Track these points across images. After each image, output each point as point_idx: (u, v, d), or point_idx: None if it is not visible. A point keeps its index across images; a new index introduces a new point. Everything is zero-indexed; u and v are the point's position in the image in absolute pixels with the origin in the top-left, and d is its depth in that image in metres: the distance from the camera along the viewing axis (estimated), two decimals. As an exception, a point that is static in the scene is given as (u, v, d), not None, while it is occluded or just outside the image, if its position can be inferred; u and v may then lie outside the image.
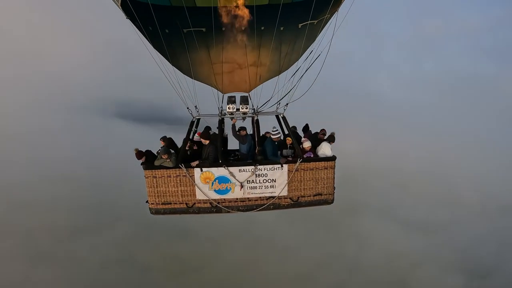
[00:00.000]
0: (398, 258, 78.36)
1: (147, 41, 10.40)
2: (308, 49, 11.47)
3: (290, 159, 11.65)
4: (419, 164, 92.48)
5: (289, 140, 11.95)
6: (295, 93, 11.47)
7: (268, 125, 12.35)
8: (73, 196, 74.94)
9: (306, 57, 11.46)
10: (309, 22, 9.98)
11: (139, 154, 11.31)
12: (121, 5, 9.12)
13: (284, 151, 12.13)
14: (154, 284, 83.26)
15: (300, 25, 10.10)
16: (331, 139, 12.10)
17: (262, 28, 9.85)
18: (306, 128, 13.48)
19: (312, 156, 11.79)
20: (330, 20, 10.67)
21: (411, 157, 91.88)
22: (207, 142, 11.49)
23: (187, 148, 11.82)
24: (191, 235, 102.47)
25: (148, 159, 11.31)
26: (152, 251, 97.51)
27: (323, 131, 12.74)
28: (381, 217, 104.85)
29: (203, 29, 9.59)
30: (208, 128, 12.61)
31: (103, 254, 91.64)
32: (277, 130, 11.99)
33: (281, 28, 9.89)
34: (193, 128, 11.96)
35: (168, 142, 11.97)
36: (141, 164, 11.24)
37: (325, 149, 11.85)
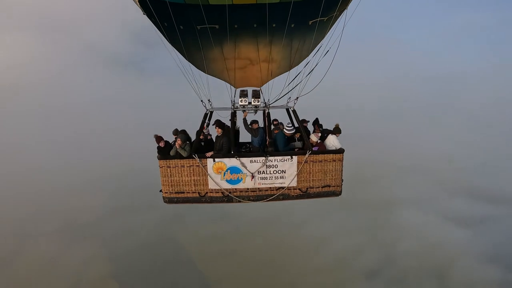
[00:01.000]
0: (435, 248, 78.49)
1: (163, 37, 10.73)
2: (318, 45, 11.75)
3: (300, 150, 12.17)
4: (458, 159, 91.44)
5: (297, 134, 12.50)
6: (305, 87, 11.74)
7: (281, 119, 12.91)
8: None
9: (315, 53, 11.74)
10: (319, 19, 10.16)
11: (158, 138, 11.81)
12: (138, 1, 9.47)
13: (292, 144, 12.70)
14: (192, 263, 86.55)
15: (310, 22, 10.31)
16: (336, 130, 12.56)
17: (274, 25, 10.12)
18: (316, 122, 13.73)
19: (318, 149, 12.21)
20: (340, 18, 10.79)
21: (448, 152, 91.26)
22: (220, 132, 11.90)
23: (201, 138, 12.26)
24: (230, 218, 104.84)
25: (164, 149, 11.78)
26: (192, 231, 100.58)
27: (336, 124, 13.10)
28: (419, 209, 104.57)
29: (216, 26, 9.88)
30: (219, 120, 12.70)
31: (144, 235, 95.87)
32: (292, 126, 12.48)
33: (292, 25, 10.13)
34: (206, 121, 12.29)
35: (182, 133, 12.32)
36: (157, 154, 11.80)
37: (333, 141, 12.33)
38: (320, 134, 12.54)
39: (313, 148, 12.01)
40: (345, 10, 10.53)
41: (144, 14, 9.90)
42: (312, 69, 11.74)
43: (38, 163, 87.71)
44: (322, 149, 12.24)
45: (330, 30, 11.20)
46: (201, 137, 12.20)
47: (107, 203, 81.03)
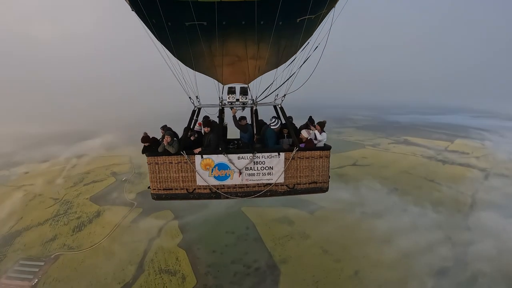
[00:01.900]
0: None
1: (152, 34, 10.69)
2: (305, 43, 11.59)
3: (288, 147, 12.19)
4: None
5: (285, 131, 12.60)
6: (293, 84, 11.79)
7: (268, 115, 12.97)
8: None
9: (303, 51, 11.66)
10: (307, 17, 10.06)
11: (144, 138, 12.14)
12: None
13: (281, 141, 12.71)
14: (260, 241, 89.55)
15: (298, 20, 10.22)
16: (321, 125, 12.77)
17: (262, 22, 9.99)
18: (310, 120, 13.71)
19: (305, 146, 12.28)
20: (328, 15, 10.66)
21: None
22: (208, 129, 12.12)
23: (188, 135, 12.44)
24: (305, 203, 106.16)
25: (152, 147, 12.09)
26: (262, 212, 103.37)
27: (319, 122, 13.12)
28: (500, 213, 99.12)
29: (205, 23, 9.85)
30: (207, 117, 12.90)
31: (215, 209, 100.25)
32: (275, 121, 12.55)
33: (280, 23, 10.03)
34: (194, 117, 12.37)
35: (168, 130, 12.59)
36: (143, 152, 12.10)
37: (318, 136, 12.60)
38: (311, 131, 12.70)
39: (300, 145, 12.12)
40: (333, 8, 10.42)
41: (132, 10, 9.77)
42: (300, 67, 11.69)
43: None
44: (310, 146, 12.36)
45: (318, 28, 11.03)
46: (190, 134, 12.50)
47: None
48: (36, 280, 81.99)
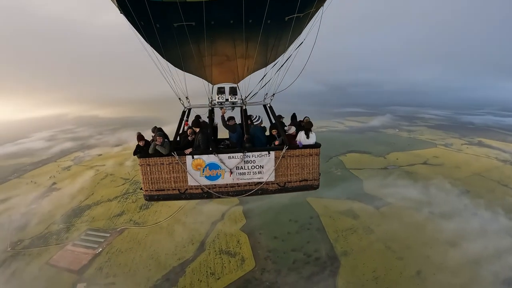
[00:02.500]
0: None
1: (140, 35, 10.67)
2: (294, 42, 11.48)
3: (278, 144, 12.13)
4: None
5: (274, 131, 12.51)
6: (282, 83, 11.71)
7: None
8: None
9: (292, 50, 11.56)
10: (295, 15, 10.00)
11: (139, 137, 12.23)
12: (116, 1, 9.37)
13: (273, 142, 12.53)
14: (323, 231, 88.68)
15: (286, 18, 10.16)
16: (308, 125, 12.50)
17: (250, 21, 9.94)
18: (293, 117, 13.87)
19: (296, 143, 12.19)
20: (316, 14, 10.60)
21: None
22: (197, 130, 12.10)
23: (184, 134, 12.65)
24: (370, 198, 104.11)
25: (144, 148, 12.11)
26: (327, 203, 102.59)
27: (306, 119, 13.10)
28: None
29: (193, 23, 9.86)
30: (198, 117, 12.90)
31: (281, 198, 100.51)
32: (256, 116, 12.67)
33: (268, 21, 9.96)
34: (185, 118, 12.39)
35: (159, 131, 12.48)
36: (135, 154, 12.09)
37: (301, 136, 12.30)
38: (293, 130, 12.73)
39: (299, 143, 12.22)
40: (322, 7, 10.37)
41: (121, 13, 9.72)
42: (289, 66, 11.64)
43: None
44: (293, 143, 12.26)
45: (307, 27, 10.93)
46: (189, 134, 12.68)
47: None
48: (100, 249, 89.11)
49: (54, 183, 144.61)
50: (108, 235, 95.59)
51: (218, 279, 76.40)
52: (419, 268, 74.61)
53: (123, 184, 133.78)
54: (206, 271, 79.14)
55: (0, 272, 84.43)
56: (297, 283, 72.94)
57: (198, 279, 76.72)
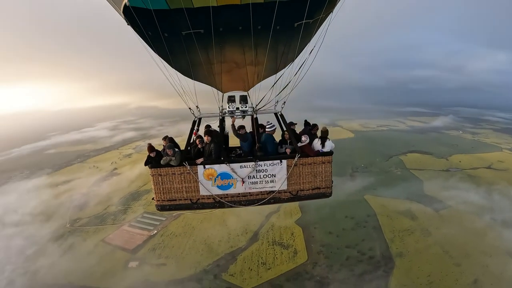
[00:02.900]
0: None
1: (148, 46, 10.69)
2: (304, 49, 11.34)
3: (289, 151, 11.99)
4: None
5: (286, 135, 12.39)
6: (293, 91, 11.58)
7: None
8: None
9: (302, 57, 11.38)
10: (304, 21, 9.93)
11: (150, 148, 12.19)
12: (123, 12, 9.40)
13: (284, 146, 12.58)
14: (380, 230, 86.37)
15: (296, 24, 10.11)
16: (324, 134, 12.34)
17: (259, 27, 9.87)
18: (306, 123, 13.58)
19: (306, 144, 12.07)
20: (326, 21, 10.57)
21: None
22: (209, 139, 11.94)
23: (194, 144, 12.44)
24: (430, 200, 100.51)
25: (155, 158, 12.03)
26: (384, 202, 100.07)
27: (324, 128, 12.73)
28: None
29: (202, 31, 9.83)
30: (208, 126, 12.92)
31: (338, 194, 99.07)
32: (270, 123, 12.35)
33: (277, 27, 9.86)
34: (196, 127, 12.26)
35: (170, 141, 12.52)
36: (146, 164, 12.08)
37: (316, 144, 12.26)
38: (311, 139, 12.48)
39: (302, 138, 12.10)
40: (331, 13, 10.33)
41: (128, 25, 9.80)
42: (298, 74, 11.42)
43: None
44: (307, 151, 12.10)
45: (317, 33, 10.90)
46: (197, 143, 12.44)
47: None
48: (155, 231, 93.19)
49: (115, 169, 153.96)
50: (164, 219, 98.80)
51: (268, 269, 76.65)
52: (476, 277, 70.68)
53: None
54: (258, 261, 79.74)
55: (57, 245, 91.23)
56: (348, 280, 71.72)
57: (249, 268, 77.51)
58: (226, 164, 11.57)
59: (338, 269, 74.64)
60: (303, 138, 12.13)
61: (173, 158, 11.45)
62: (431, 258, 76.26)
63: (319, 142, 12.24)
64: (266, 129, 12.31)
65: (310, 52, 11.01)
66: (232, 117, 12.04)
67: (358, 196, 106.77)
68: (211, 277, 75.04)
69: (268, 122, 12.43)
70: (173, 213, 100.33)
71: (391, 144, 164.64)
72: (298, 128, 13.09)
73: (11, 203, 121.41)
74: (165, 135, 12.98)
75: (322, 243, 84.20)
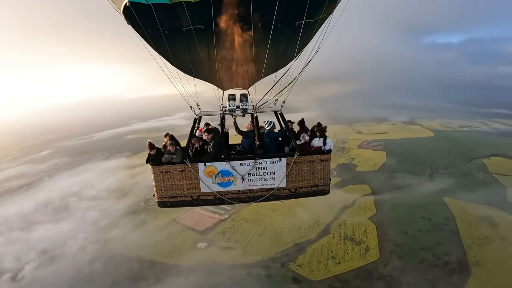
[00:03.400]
0: None
1: (149, 45, 10.86)
2: (304, 48, 11.44)
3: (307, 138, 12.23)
4: None
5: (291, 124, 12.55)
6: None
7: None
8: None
9: (302, 56, 11.51)
10: (305, 20, 10.00)
11: (150, 146, 12.23)
12: (123, 12, 9.54)
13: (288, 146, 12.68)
14: (457, 235, 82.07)
15: (296, 23, 10.16)
16: (322, 133, 12.42)
17: (260, 24, 9.90)
18: (301, 123, 13.49)
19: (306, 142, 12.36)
20: (326, 21, 10.66)
21: None
22: (209, 136, 12.17)
23: (191, 144, 12.54)
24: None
25: (156, 156, 12.14)
26: (463, 206, 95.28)
27: (319, 125, 12.86)
28: None
29: (202, 27, 9.89)
30: (207, 124, 13.01)
31: (416, 194, 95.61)
32: (267, 121, 12.48)
33: (278, 25, 9.89)
34: (196, 125, 12.37)
35: (171, 138, 12.57)
36: (147, 162, 12.22)
37: (319, 142, 12.40)
38: (310, 137, 12.70)
39: (302, 137, 12.50)
40: (332, 14, 10.45)
41: (128, 24, 9.93)
42: (300, 73, 11.65)
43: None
44: (307, 150, 12.39)
45: (317, 33, 11.01)
46: (193, 142, 12.58)
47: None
48: (227, 216, 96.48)
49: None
50: (236, 204, 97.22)
51: (338, 263, 75.74)
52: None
53: None
54: (327, 254, 79.01)
55: (129, 220, 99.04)
56: (420, 284, 68.68)
57: (318, 260, 76.99)
58: (226, 161, 11.81)
59: (410, 271, 71.79)
60: (305, 137, 12.59)
61: (175, 156, 11.74)
62: (511, 271, 70.98)
63: (321, 140, 12.49)
64: (266, 128, 12.55)
65: (316, 53, 11.21)
66: (232, 115, 12.20)
67: (437, 198, 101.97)
68: (278, 266, 75.61)
69: (265, 121, 12.66)
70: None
71: (474, 146, 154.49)
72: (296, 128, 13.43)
73: (90, 179, 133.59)
74: (166, 132, 13.29)
75: (395, 242, 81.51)
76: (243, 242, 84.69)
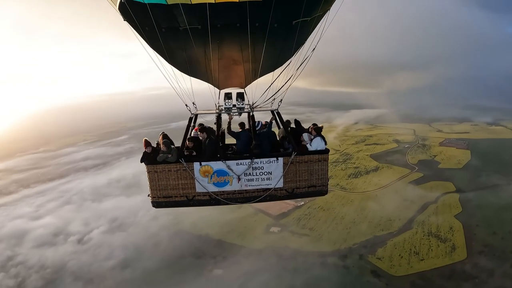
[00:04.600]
0: None
1: (145, 42, 10.61)
2: (301, 46, 11.19)
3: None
4: None
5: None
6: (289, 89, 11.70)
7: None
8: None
9: (299, 55, 11.25)
10: (302, 19, 9.80)
11: (146, 143, 11.96)
12: (119, 8, 9.39)
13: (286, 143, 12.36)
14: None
15: (293, 22, 9.90)
16: (318, 132, 12.01)
17: (257, 24, 9.61)
18: (297, 124, 13.25)
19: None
20: (323, 19, 10.48)
21: None
22: (204, 136, 11.92)
23: (186, 143, 12.13)
24: None
25: (151, 155, 11.85)
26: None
27: (314, 125, 12.50)
28: None
29: (199, 27, 9.65)
30: (201, 124, 12.62)
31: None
32: (259, 122, 12.11)
33: (275, 25, 9.67)
34: (192, 124, 12.18)
35: (165, 137, 12.23)
36: (142, 161, 11.85)
37: (318, 143, 11.87)
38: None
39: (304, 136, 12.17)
40: (328, 11, 10.33)
41: (124, 20, 9.85)
42: (297, 70, 11.49)
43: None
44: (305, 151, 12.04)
45: (314, 31, 10.85)
46: (188, 144, 12.23)
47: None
48: (302, 203, 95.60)
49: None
50: None
51: (421, 260, 72.39)
52: None
53: (333, 154, 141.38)
54: (410, 249, 75.92)
55: None
56: (509, 290, 63.41)
57: (399, 254, 74.24)
58: (222, 161, 11.58)
59: (501, 274, 66.68)
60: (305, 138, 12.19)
61: (170, 155, 11.50)
62: None
63: (320, 139, 12.02)
64: (257, 129, 12.14)
65: (313, 50, 11.10)
66: (228, 114, 12.09)
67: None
68: (356, 257, 73.94)
69: (257, 122, 12.26)
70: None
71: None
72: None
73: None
74: (162, 131, 13.11)
75: (484, 243, 76.26)
76: (318, 230, 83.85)
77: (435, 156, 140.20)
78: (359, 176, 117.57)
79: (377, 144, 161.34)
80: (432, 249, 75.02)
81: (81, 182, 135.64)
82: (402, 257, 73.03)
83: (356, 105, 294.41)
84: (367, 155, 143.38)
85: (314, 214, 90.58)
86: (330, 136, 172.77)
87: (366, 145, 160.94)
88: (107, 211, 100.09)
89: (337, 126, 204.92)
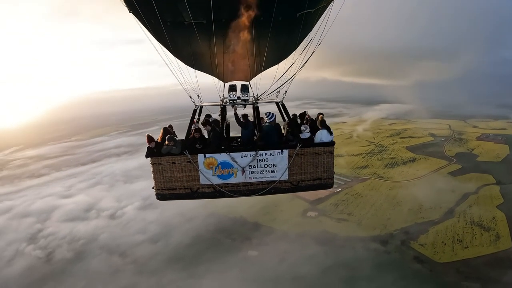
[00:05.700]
0: None
1: (150, 34, 10.65)
2: (305, 38, 11.27)
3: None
4: None
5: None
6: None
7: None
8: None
9: (304, 47, 11.32)
10: (306, 11, 9.81)
11: (149, 138, 11.95)
12: (124, 0, 9.49)
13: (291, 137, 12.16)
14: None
15: (298, 15, 9.93)
16: (323, 124, 11.90)
17: (261, 18, 9.65)
18: (302, 115, 13.15)
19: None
20: (327, 10, 10.44)
21: None
22: (209, 128, 11.84)
23: (191, 135, 12.08)
24: None
25: (155, 148, 11.84)
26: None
27: (321, 116, 12.44)
28: None
29: (204, 21, 9.74)
30: (208, 116, 12.75)
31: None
32: (268, 113, 11.99)
33: (279, 18, 9.74)
34: (196, 116, 12.27)
35: (168, 131, 12.44)
36: (147, 157, 11.79)
37: (322, 135, 11.77)
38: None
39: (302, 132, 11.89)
40: (332, 2, 10.23)
41: (130, 12, 9.90)
42: (302, 62, 11.51)
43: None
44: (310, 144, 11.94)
45: (318, 23, 10.89)
46: (192, 133, 12.21)
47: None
48: (340, 189, 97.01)
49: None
50: (349, 180, 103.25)
51: (465, 247, 71.04)
52: None
53: (368, 145, 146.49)
54: (453, 237, 74.66)
55: None
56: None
57: (442, 242, 73.11)
58: (226, 153, 11.56)
59: (545, 267, 64.24)
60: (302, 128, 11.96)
61: (174, 147, 11.52)
62: None
63: (326, 132, 11.93)
64: (267, 120, 12.07)
65: (315, 44, 11.18)
66: (233, 106, 12.09)
67: None
68: (397, 242, 73.36)
69: (267, 113, 12.23)
70: (359, 176, 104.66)
71: None
72: None
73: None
74: (163, 126, 13.09)
75: (528, 232, 74.05)
76: (357, 215, 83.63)
77: (472, 149, 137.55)
78: (395, 166, 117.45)
79: (412, 137, 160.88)
80: (476, 237, 73.59)
81: (112, 166, 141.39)
82: (445, 244, 71.90)
83: (385, 99, 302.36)
84: (403, 147, 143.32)
85: (352, 200, 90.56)
86: (359, 128, 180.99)
87: (401, 138, 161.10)
88: (140, 190, 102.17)
89: (366, 120, 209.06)
